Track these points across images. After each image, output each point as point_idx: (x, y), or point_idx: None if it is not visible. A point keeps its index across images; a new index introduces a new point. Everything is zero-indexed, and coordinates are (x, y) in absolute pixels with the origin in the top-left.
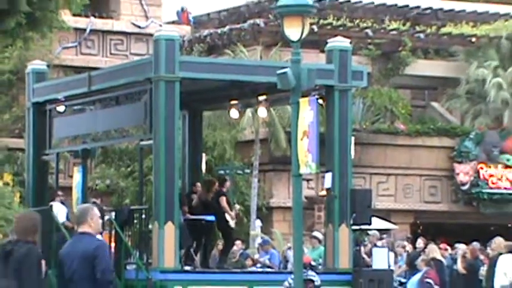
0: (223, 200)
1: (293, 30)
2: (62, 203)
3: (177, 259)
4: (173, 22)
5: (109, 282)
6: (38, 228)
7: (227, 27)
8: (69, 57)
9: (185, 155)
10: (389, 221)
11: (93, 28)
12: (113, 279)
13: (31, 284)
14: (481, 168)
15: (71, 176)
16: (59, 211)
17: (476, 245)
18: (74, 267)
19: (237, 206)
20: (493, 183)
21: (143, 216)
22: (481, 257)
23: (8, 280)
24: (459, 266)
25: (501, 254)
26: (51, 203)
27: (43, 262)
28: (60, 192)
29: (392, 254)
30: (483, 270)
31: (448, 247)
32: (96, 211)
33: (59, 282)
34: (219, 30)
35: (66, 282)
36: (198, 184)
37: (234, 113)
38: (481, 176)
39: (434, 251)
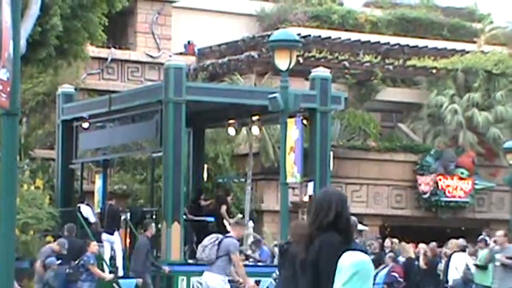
0: (223, 208)
1: (282, 61)
2: (88, 205)
3: (182, 253)
4: (181, 53)
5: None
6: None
7: (226, 58)
8: (93, 82)
9: (189, 165)
10: (362, 224)
11: (113, 57)
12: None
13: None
14: (440, 179)
15: (93, 182)
16: (88, 213)
17: (435, 245)
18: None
19: (240, 215)
20: (449, 192)
21: (154, 216)
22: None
23: (285, 271)
24: (421, 262)
25: (455, 252)
26: (80, 204)
27: None
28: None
29: None
30: (441, 265)
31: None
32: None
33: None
34: (219, 61)
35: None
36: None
37: (231, 131)
38: (440, 187)
39: (407, 251)
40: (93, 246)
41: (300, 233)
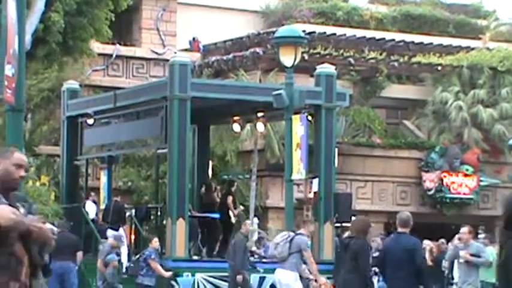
0: (229, 199)
1: (287, 58)
2: (94, 202)
3: (186, 250)
4: (186, 50)
5: (424, 267)
6: (368, 230)
7: (231, 54)
8: (98, 78)
9: (194, 162)
10: None
11: (118, 54)
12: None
13: (364, 268)
14: (444, 176)
15: (98, 179)
16: (90, 209)
17: (443, 241)
18: (398, 255)
19: (241, 207)
20: (454, 189)
21: (159, 213)
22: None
23: (346, 264)
24: (427, 259)
25: None
26: (86, 201)
27: (80, 253)
28: (92, 193)
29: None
30: (445, 262)
31: None
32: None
33: (384, 267)
34: (224, 57)
35: (388, 266)
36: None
37: (236, 127)
38: (444, 183)
39: None
40: (155, 242)
41: (359, 227)
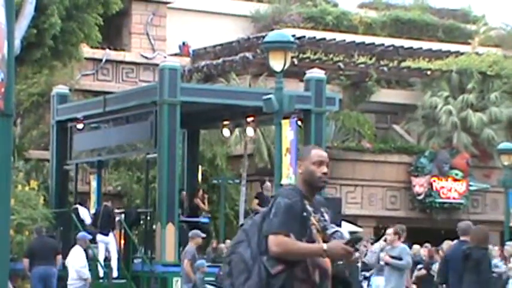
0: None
1: (277, 62)
2: (85, 207)
3: (176, 254)
4: (176, 54)
5: (490, 278)
6: (488, 239)
7: (221, 59)
8: (88, 83)
9: (184, 166)
10: (356, 225)
11: (108, 58)
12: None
13: (485, 278)
14: (434, 181)
15: (88, 183)
16: (84, 214)
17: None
18: (459, 264)
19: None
20: (443, 194)
21: (148, 217)
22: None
23: (470, 274)
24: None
25: None
26: (77, 206)
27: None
28: (79, 198)
29: (357, 253)
30: (435, 267)
31: None
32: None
33: (446, 276)
34: (214, 62)
35: (451, 275)
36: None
37: (226, 132)
38: (434, 188)
39: None
40: None
41: (479, 236)
